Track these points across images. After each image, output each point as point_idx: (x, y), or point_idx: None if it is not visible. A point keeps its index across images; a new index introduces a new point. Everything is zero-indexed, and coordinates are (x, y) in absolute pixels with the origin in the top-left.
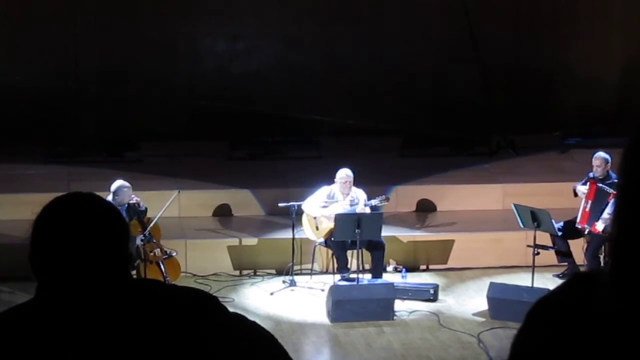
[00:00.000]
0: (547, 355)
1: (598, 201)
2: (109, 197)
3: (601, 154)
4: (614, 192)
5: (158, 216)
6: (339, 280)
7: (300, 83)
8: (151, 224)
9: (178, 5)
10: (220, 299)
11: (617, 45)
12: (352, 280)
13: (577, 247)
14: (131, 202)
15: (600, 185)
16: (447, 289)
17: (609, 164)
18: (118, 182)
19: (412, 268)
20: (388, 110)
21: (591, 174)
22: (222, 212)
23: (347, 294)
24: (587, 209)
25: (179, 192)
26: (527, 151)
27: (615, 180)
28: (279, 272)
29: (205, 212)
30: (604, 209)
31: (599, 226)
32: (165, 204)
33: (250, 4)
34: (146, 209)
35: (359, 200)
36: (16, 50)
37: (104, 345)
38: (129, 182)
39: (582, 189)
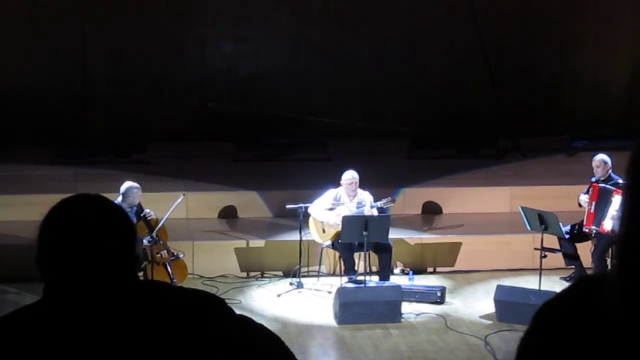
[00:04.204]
0: (553, 358)
1: (602, 201)
2: (119, 199)
3: (600, 155)
4: (616, 189)
5: (164, 219)
6: (346, 282)
7: (308, 85)
8: (158, 227)
9: (186, 6)
10: (227, 301)
11: (625, 49)
12: (359, 282)
13: (585, 250)
14: (143, 214)
15: (602, 185)
16: (454, 292)
17: (608, 165)
18: (127, 184)
19: (419, 270)
20: (395, 113)
21: (593, 178)
22: (228, 214)
23: (354, 296)
24: (592, 210)
25: (184, 194)
26: (534, 154)
27: (619, 182)
28: (286, 274)
29: (212, 214)
30: (608, 208)
31: (607, 225)
32: (172, 206)
33: (257, 5)
34: (157, 218)
35: (365, 203)
36: (24, 52)
37: (110, 347)
38: (137, 183)
39: (584, 198)
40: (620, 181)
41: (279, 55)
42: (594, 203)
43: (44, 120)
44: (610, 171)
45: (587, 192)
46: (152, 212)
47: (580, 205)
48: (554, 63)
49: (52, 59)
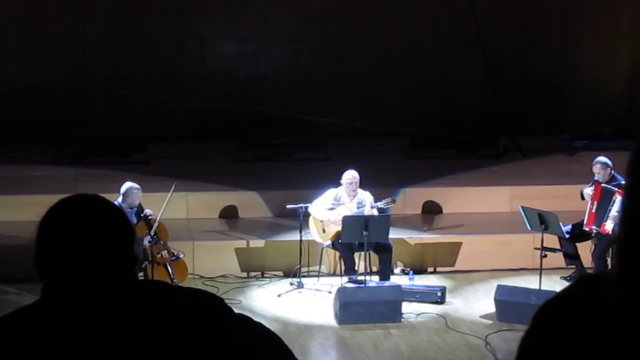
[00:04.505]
0: (554, 357)
1: (603, 201)
2: (119, 200)
3: (599, 159)
4: (619, 190)
5: (160, 214)
6: (346, 282)
7: (308, 85)
8: (156, 223)
9: (186, 6)
10: (228, 301)
11: (625, 48)
12: (360, 282)
13: (585, 250)
14: (144, 213)
15: (605, 185)
16: (455, 291)
17: (609, 167)
18: (127, 184)
19: (419, 270)
20: (396, 112)
21: (596, 178)
22: (229, 214)
23: (354, 296)
24: (593, 210)
25: (175, 185)
26: (534, 154)
27: (622, 182)
28: (287, 274)
29: (212, 214)
30: (610, 208)
31: (608, 226)
32: (170, 205)
33: (257, 5)
34: (157, 217)
35: (365, 203)
36: (24, 52)
37: (109, 347)
38: (137, 184)
39: (588, 191)
40: (624, 182)
41: (279, 55)
42: (596, 203)
43: (44, 120)
44: (612, 172)
45: (591, 185)
46: (152, 213)
47: (582, 197)
48: (554, 63)
49: (52, 59)
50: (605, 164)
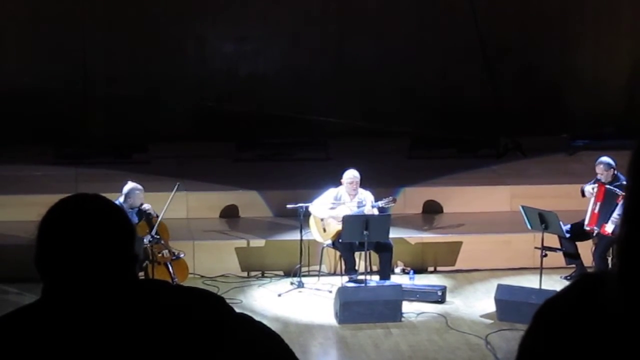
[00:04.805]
0: (554, 356)
1: (607, 203)
2: (120, 199)
3: (602, 159)
4: (623, 194)
5: (162, 213)
6: (347, 281)
7: (308, 84)
8: (157, 222)
9: (186, 6)
10: (228, 300)
11: (625, 48)
12: (360, 282)
13: (585, 249)
14: (142, 208)
15: (609, 186)
16: (455, 291)
17: (613, 168)
18: (130, 185)
19: (419, 270)
20: (396, 112)
21: (599, 177)
22: (230, 214)
23: (354, 296)
24: (596, 211)
25: (178, 184)
26: (534, 153)
27: (624, 182)
28: (287, 274)
29: (213, 214)
30: (612, 211)
31: (609, 228)
32: (170, 205)
33: (257, 5)
34: (157, 215)
35: (366, 202)
36: (24, 52)
37: (110, 347)
38: (139, 184)
39: (589, 189)
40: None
41: (279, 55)
42: (598, 204)
43: (44, 120)
44: (615, 172)
45: (593, 183)
46: (150, 207)
47: (583, 195)
48: (554, 63)
49: (52, 59)
50: (608, 165)
